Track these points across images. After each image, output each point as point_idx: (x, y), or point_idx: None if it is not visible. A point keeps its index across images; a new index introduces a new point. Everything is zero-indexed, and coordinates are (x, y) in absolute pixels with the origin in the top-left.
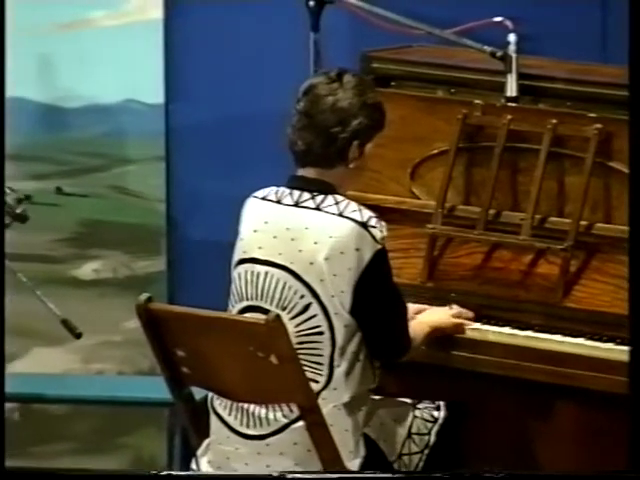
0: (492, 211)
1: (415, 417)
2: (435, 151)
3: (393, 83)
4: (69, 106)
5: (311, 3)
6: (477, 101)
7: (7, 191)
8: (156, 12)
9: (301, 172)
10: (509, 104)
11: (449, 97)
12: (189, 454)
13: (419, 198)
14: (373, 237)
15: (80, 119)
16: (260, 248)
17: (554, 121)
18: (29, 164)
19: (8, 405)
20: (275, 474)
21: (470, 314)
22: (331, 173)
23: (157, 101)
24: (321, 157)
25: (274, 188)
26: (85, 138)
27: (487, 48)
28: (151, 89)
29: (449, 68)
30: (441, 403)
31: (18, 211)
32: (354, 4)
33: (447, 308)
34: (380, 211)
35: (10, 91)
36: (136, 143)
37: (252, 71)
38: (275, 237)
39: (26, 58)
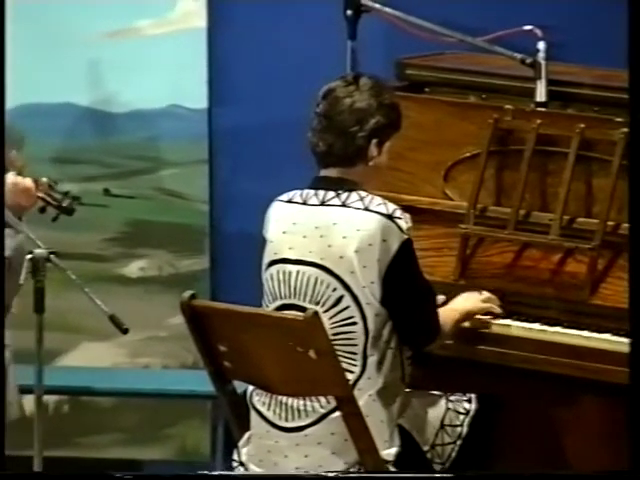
0: (522, 212)
1: (448, 409)
2: (467, 154)
3: (427, 89)
4: (116, 111)
5: (349, 12)
6: (508, 106)
7: (52, 184)
8: (200, 21)
9: (324, 172)
10: (538, 109)
11: (481, 102)
12: (231, 445)
13: (452, 199)
14: (399, 228)
15: (127, 124)
16: (290, 248)
17: (582, 125)
18: (78, 167)
19: (58, 397)
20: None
21: (497, 301)
22: (352, 171)
23: (201, 106)
24: (342, 157)
25: (298, 191)
26: (131, 142)
27: (517, 55)
28: (195, 95)
29: (481, 74)
30: (472, 396)
31: (64, 204)
32: (390, 13)
33: (477, 293)
34: (414, 212)
35: (60, 97)
36: (180, 146)
37: (292, 77)
38: (305, 236)
39: (75, 65)
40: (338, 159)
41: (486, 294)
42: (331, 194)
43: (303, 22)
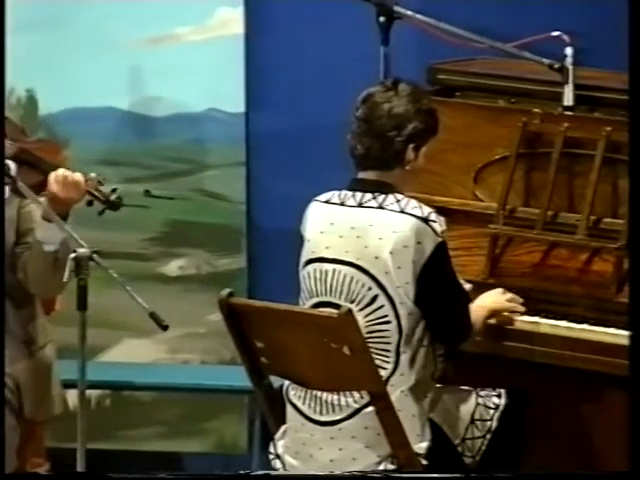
0: (550, 212)
1: (477, 404)
2: (497, 157)
3: (458, 93)
4: (156, 115)
5: (381, 19)
6: (536, 110)
7: (100, 180)
8: (238, 27)
9: (362, 175)
10: (566, 113)
11: (510, 106)
12: (267, 438)
13: (482, 200)
14: (434, 231)
15: (167, 127)
16: (327, 248)
17: (608, 128)
18: (120, 169)
19: (101, 392)
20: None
21: (520, 299)
22: (389, 175)
23: (238, 110)
24: (380, 160)
25: (336, 192)
26: (171, 145)
27: (545, 60)
28: (233, 99)
29: (510, 79)
30: (502, 391)
31: (112, 198)
32: (421, 20)
33: (500, 290)
34: (445, 212)
35: (103, 101)
36: (219, 149)
37: (327, 82)
38: (341, 236)
39: (117, 70)
40: (376, 162)
41: (509, 294)
42: (368, 196)
43: (337, 29)
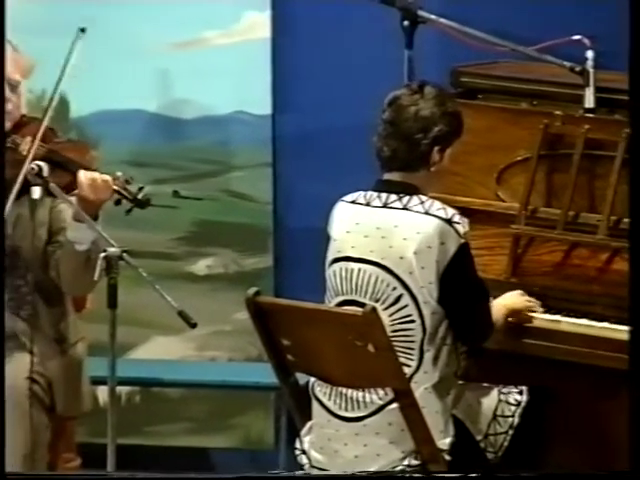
0: (571, 213)
1: (500, 400)
2: (519, 158)
3: (480, 96)
4: (184, 117)
5: (405, 23)
6: (557, 112)
7: (128, 179)
8: (264, 31)
9: (387, 176)
10: (587, 115)
11: (531, 108)
12: (293, 433)
13: (504, 201)
14: (457, 232)
15: (194, 129)
16: (353, 247)
17: (628, 130)
18: (149, 170)
19: (130, 388)
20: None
21: (535, 301)
22: (415, 176)
23: (265, 112)
24: (405, 162)
25: (362, 192)
26: (199, 146)
27: (567, 64)
28: (259, 101)
29: (532, 82)
30: (524, 388)
31: (139, 197)
32: (445, 24)
33: (519, 292)
34: (468, 213)
35: (131, 103)
36: (245, 151)
37: (352, 85)
38: (366, 236)
39: (146, 74)
40: (401, 164)
41: (526, 296)
42: (393, 197)
43: (362, 33)
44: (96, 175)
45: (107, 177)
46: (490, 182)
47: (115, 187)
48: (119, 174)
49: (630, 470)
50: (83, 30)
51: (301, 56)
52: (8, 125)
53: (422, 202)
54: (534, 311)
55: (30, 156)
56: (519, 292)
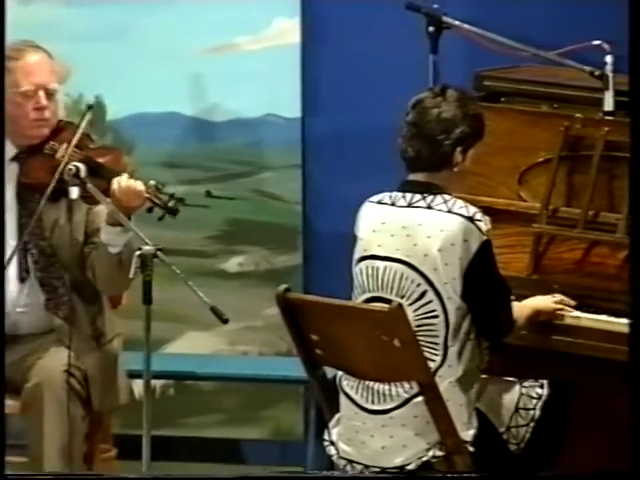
0: (591, 212)
1: (521, 394)
2: (540, 159)
3: (503, 99)
4: (217, 120)
5: (431, 28)
6: (578, 115)
7: (159, 187)
8: (294, 37)
9: (411, 177)
10: (606, 118)
11: (552, 111)
12: (322, 426)
13: (526, 201)
14: (479, 230)
15: (226, 131)
16: (379, 246)
17: None
18: (183, 170)
19: (165, 382)
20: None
21: (572, 302)
22: (438, 176)
23: (294, 115)
24: (429, 162)
25: (387, 193)
26: (231, 148)
27: (586, 68)
28: (289, 104)
29: (552, 85)
30: (545, 382)
31: (170, 205)
32: (468, 29)
33: (550, 296)
34: (491, 212)
35: (166, 106)
36: (276, 152)
37: (379, 88)
38: (392, 235)
39: (180, 78)
40: (425, 164)
41: (558, 296)
42: (418, 197)
43: (389, 38)
44: (129, 183)
45: (140, 186)
46: (512, 182)
47: (147, 195)
48: (151, 182)
49: (630, 470)
50: (90, 107)
51: (329, 61)
52: (46, 132)
53: (445, 201)
54: (559, 312)
55: (65, 159)
56: (550, 296)
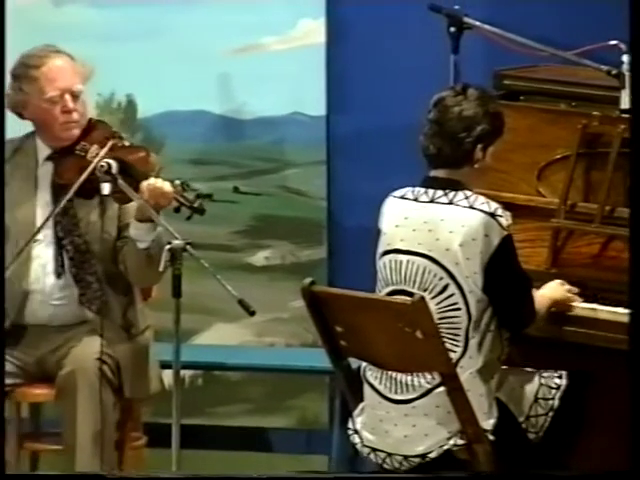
0: (608, 207)
1: (540, 384)
2: (558, 156)
3: (522, 97)
4: (244, 118)
5: (452, 29)
6: (595, 113)
7: (185, 187)
8: (320, 37)
9: (433, 173)
10: (623, 115)
11: (570, 109)
12: (347, 415)
13: (545, 196)
14: (500, 225)
15: (253, 129)
16: (402, 240)
17: None
18: (211, 167)
19: (193, 372)
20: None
21: (575, 289)
22: (459, 173)
23: (319, 113)
24: (450, 159)
25: (410, 188)
26: (258, 145)
27: (603, 67)
28: (314, 103)
29: (570, 84)
30: (563, 373)
31: (196, 205)
32: (489, 30)
33: (559, 282)
34: (511, 207)
35: (195, 105)
36: (301, 149)
37: (401, 87)
38: (415, 230)
39: (209, 77)
40: (447, 161)
41: (567, 285)
42: (440, 193)
43: (411, 38)
44: (157, 184)
45: (167, 187)
46: (531, 179)
47: (174, 195)
48: (177, 182)
49: (630, 470)
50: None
51: (354, 60)
52: (76, 133)
53: (467, 197)
54: (573, 301)
55: (98, 158)
56: (559, 282)
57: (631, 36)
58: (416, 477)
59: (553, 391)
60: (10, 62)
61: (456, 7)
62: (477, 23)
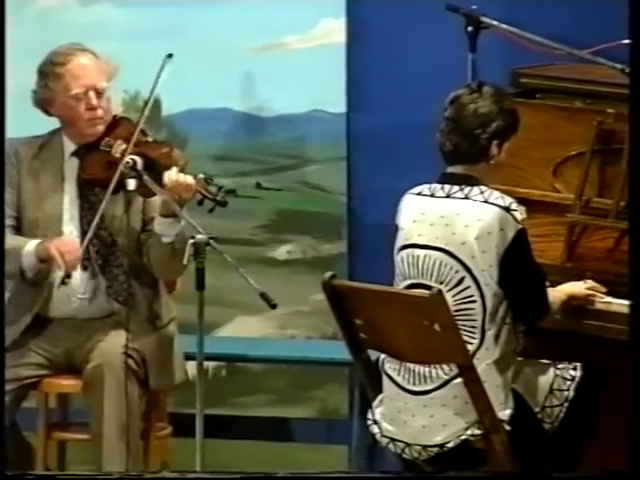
0: (622, 203)
1: (556, 375)
2: (573, 152)
3: (538, 95)
4: (266, 115)
5: (469, 28)
6: (609, 110)
7: (209, 180)
8: (340, 36)
9: (450, 169)
10: None
11: (585, 107)
12: (366, 405)
13: (560, 192)
14: (515, 219)
15: (275, 126)
16: (419, 235)
17: None
18: (234, 164)
19: (217, 363)
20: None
21: (602, 289)
22: (475, 168)
23: (340, 110)
24: (466, 155)
25: (427, 185)
26: (279, 142)
27: (618, 65)
28: (335, 100)
29: (586, 82)
30: (578, 364)
31: (219, 198)
32: (506, 29)
33: (582, 282)
34: (527, 203)
35: (218, 103)
36: (322, 146)
37: (420, 85)
38: (431, 225)
39: (232, 75)
40: (463, 157)
41: (590, 282)
42: (456, 188)
43: (430, 37)
44: (180, 177)
45: (190, 180)
46: (547, 175)
47: (197, 188)
48: (201, 175)
49: (630, 470)
50: (170, 55)
51: (373, 59)
52: (101, 129)
53: (482, 192)
54: (593, 297)
55: (127, 152)
56: (582, 282)
57: (631, 35)
58: (410, 476)
59: (568, 382)
60: (39, 61)
61: (473, 7)
62: (494, 22)
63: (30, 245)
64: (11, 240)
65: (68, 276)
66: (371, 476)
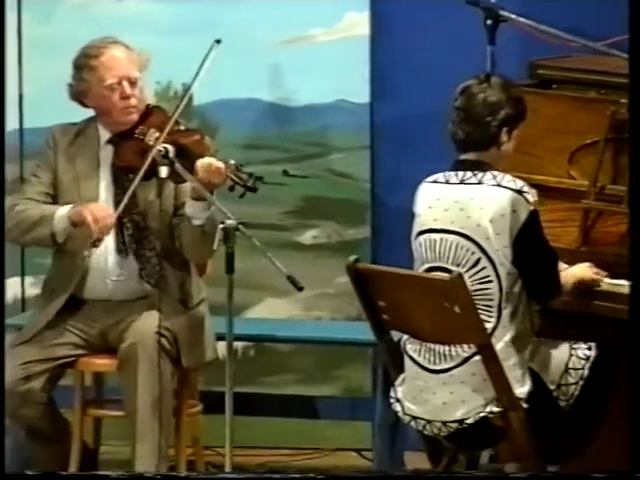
0: None
1: (571, 355)
2: (588, 141)
3: (554, 86)
4: (292, 105)
5: (488, 21)
6: (623, 100)
7: (239, 166)
8: (364, 29)
9: (462, 157)
10: None
11: (600, 97)
12: (389, 384)
13: (575, 179)
14: (527, 201)
15: (301, 116)
16: (435, 220)
17: None
18: (262, 152)
19: (245, 344)
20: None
21: (603, 272)
22: (486, 155)
23: (364, 101)
24: (478, 143)
25: (441, 173)
26: (305, 131)
27: None
28: (359, 91)
29: (600, 73)
30: (592, 344)
31: (249, 184)
32: (524, 22)
33: (588, 264)
34: (543, 189)
35: (247, 93)
36: (346, 135)
37: (441, 76)
38: (446, 210)
39: (260, 67)
40: (474, 145)
41: (595, 268)
42: (469, 174)
43: (450, 30)
44: (211, 163)
45: (221, 165)
46: (563, 162)
47: (228, 174)
48: (232, 162)
49: (630, 470)
50: (219, 41)
51: (396, 51)
52: (135, 117)
53: (494, 176)
54: (599, 282)
55: (160, 140)
56: (588, 264)
57: (631, 35)
58: (409, 476)
59: (583, 361)
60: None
61: (492, 1)
62: (512, 16)
63: (63, 209)
64: (46, 207)
65: (99, 240)
66: (374, 476)
